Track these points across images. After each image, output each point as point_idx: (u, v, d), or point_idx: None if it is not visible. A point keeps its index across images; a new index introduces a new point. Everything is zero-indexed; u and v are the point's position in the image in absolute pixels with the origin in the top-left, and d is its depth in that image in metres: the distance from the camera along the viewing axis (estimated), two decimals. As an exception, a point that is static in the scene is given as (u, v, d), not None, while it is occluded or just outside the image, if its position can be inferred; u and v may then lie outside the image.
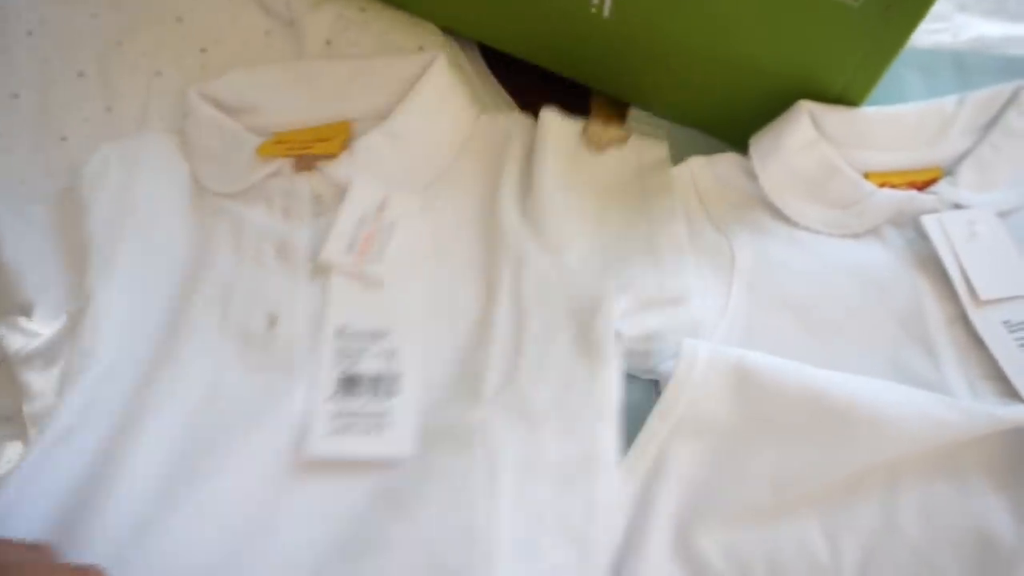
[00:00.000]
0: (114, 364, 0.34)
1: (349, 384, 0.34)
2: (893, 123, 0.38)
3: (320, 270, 0.37)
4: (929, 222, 0.36)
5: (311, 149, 0.39)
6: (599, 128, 0.40)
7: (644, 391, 0.35)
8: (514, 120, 0.42)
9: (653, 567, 0.31)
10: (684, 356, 0.32)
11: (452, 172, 0.41)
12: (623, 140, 0.40)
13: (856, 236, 0.37)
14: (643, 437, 0.32)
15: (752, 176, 0.38)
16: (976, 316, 0.34)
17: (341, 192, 0.38)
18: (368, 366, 0.34)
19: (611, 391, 0.33)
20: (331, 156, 0.39)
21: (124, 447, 0.32)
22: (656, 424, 0.32)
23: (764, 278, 0.36)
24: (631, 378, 0.35)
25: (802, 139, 0.37)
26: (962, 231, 0.36)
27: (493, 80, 0.45)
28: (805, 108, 0.37)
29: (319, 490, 0.32)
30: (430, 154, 0.40)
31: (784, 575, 0.31)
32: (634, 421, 0.33)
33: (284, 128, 0.41)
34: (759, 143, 0.38)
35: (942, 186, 0.38)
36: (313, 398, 0.34)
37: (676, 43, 0.37)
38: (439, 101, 0.41)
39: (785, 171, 0.37)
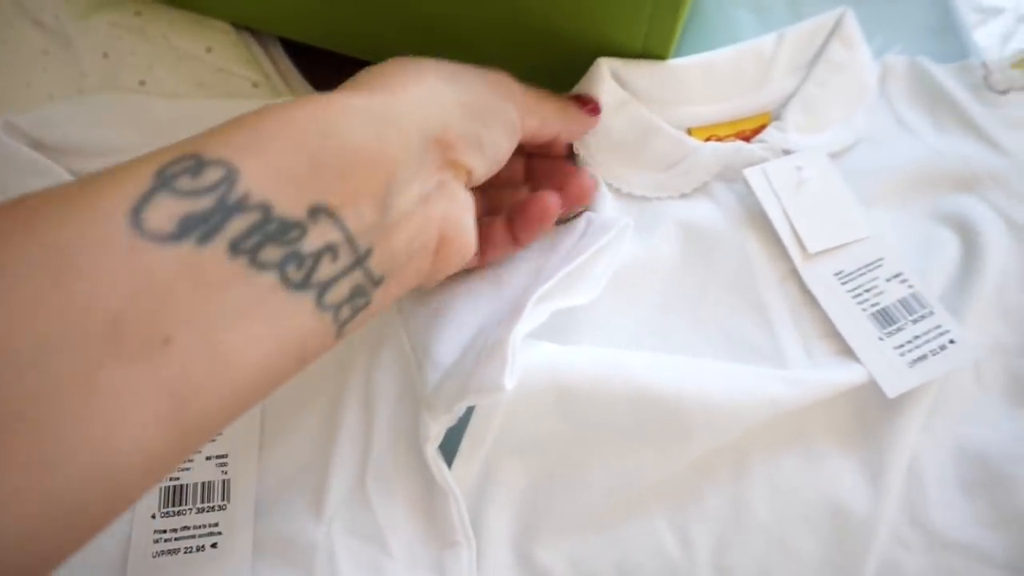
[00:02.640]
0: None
1: (174, 497, 0.28)
2: (706, 72, 0.33)
3: None
4: (752, 174, 0.31)
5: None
6: None
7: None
8: None
9: (495, 592, 0.27)
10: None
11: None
12: None
13: (684, 196, 0.32)
14: (459, 461, 0.28)
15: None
16: (806, 271, 0.30)
17: None
18: (197, 474, 0.29)
19: (456, 513, 0.27)
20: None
21: None
22: (469, 447, 0.28)
23: (598, 259, 0.30)
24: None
25: (610, 101, 0.31)
26: (789, 179, 0.31)
27: (300, 77, 0.39)
28: (604, 67, 0.31)
29: None
30: None
31: (636, 578, 0.27)
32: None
33: None
34: None
35: (770, 132, 0.33)
36: (136, 510, 0.28)
37: (461, 16, 0.32)
38: None
39: (599, 137, 0.32)
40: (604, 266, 0.28)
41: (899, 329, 0.29)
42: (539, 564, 0.27)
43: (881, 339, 0.28)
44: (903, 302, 0.29)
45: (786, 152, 0.33)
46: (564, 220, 0.31)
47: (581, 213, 0.31)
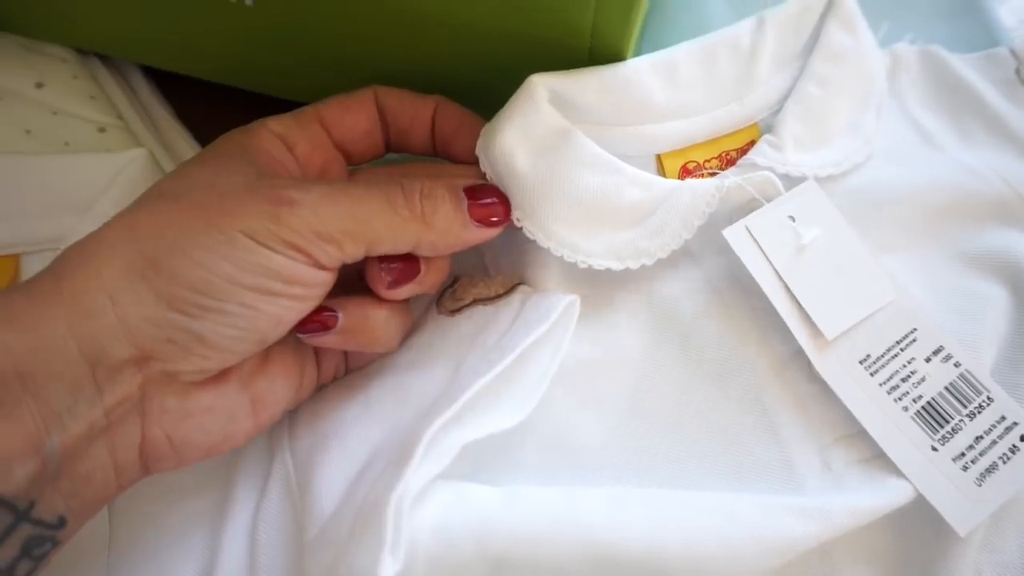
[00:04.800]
0: None
1: None
2: (669, 76, 0.24)
3: None
4: (735, 237, 0.23)
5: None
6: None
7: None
8: None
9: None
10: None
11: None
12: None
13: (656, 262, 0.23)
14: None
15: None
16: (824, 363, 0.22)
17: None
18: None
19: None
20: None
21: None
22: None
23: (532, 358, 0.22)
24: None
25: (542, 132, 0.23)
26: (783, 237, 0.23)
27: (167, 114, 0.30)
28: (539, 85, 0.23)
29: None
30: None
31: None
32: None
33: None
34: (487, 152, 0.23)
35: (762, 150, 0.25)
36: None
37: (359, 32, 0.24)
38: None
39: (532, 188, 0.23)
40: (544, 366, 0.21)
41: (954, 431, 0.21)
42: None
43: (935, 449, 0.21)
44: (952, 389, 0.22)
45: (787, 177, 0.25)
46: (488, 299, 0.23)
47: (516, 287, 0.24)
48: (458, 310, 0.23)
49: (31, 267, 0.25)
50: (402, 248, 0.20)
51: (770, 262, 0.23)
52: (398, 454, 0.18)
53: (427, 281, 0.22)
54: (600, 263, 0.23)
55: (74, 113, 0.29)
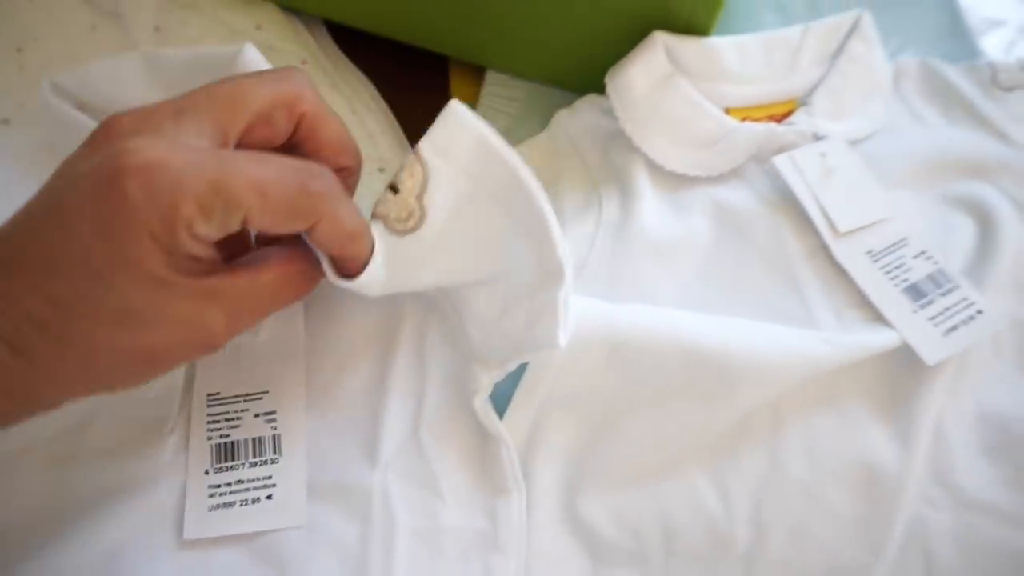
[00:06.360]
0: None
1: (225, 453, 0.28)
2: (742, 52, 0.34)
3: None
4: (781, 162, 0.33)
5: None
6: None
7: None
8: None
9: (543, 541, 0.27)
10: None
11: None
12: None
13: (720, 177, 0.34)
14: (511, 413, 0.28)
15: (614, 118, 0.34)
16: (837, 248, 0.31)
17: None
18: (247, 430, 0.29)
19: (507, 461, 0.27)
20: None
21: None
22: (522, 400, 0.28)
23: (626, 230, 0.32)
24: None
25: (657, 73, 0.33)
26: (815, 166, 0.32)
27: (345, 60, 0.40)
28: (659, 40, 0.33)
29: (197, 555, 0.26)
30: None
31: (678, 532, 0.27)
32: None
33: None
34: (615, 81, 0.33)
35: (799, 116, 0.35)
36: (189, 467, 0.28)
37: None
38: None
39: (643, 110, 0.33)
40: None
41: (930, 302, 0.29)
42: (585, 517, 0.28)
43: (915, 311, 0.29)
44: (931, 277, 0.30)
45: (815, 135, 0.34)
46: None
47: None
48: None
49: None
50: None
51: (805, 180, 0.32)
52: (542, 277, 0.25)
53: None
54: (680, 169, 0.33)
55: (284, 48, 0.38)
